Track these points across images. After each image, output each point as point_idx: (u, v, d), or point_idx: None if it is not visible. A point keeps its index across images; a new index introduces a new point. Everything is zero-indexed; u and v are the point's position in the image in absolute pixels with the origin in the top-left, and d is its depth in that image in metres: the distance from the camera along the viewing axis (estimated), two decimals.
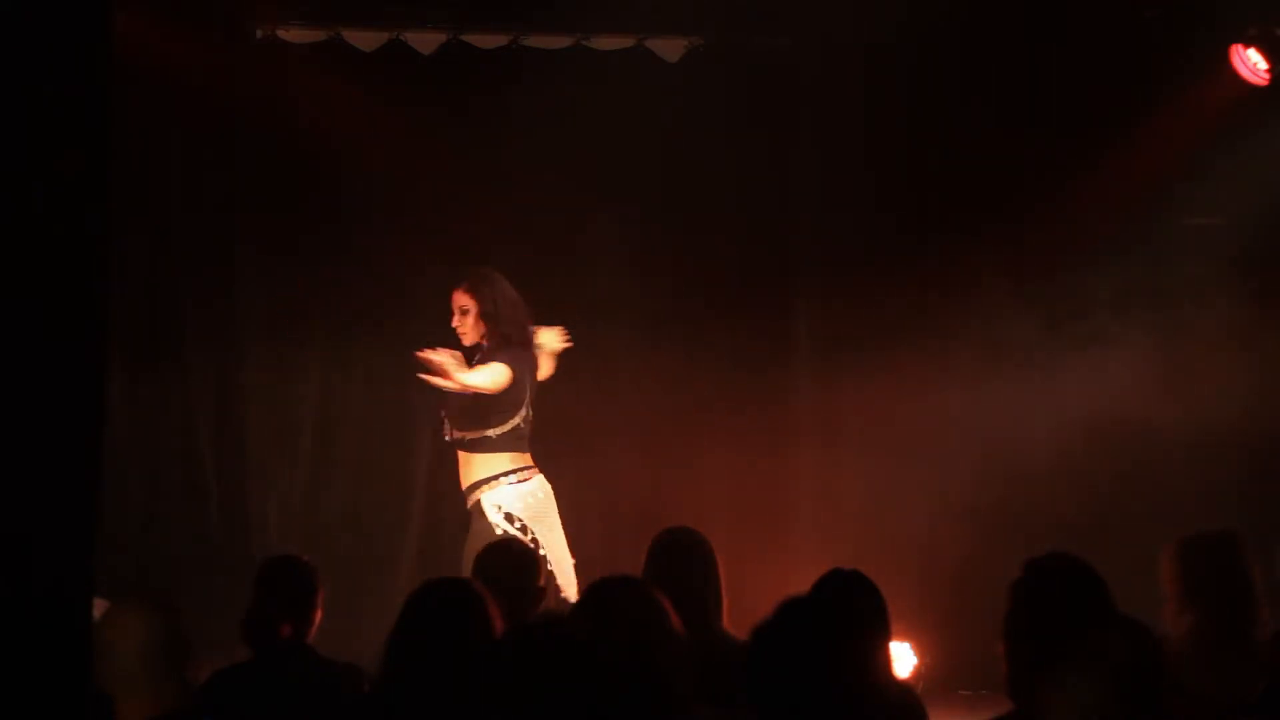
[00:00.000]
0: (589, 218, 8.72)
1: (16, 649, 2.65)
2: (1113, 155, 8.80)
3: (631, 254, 8.78)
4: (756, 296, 8.97)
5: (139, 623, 3.89)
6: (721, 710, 3.64)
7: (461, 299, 7.29)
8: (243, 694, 4.62)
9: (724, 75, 8.86)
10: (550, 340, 7.47)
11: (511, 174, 8.63)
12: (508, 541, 5.92)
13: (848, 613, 3.32)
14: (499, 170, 8.64)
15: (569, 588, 7.14)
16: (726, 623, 4.80)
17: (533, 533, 7.11)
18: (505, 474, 7.20)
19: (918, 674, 8.14)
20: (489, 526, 7.08)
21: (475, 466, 7.24)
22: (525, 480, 7.22)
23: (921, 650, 8.24)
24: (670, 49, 8.88)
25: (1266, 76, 8.27)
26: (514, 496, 7.18)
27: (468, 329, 7.29)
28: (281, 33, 8.59)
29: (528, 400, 7.27)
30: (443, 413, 7.33)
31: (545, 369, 7.48)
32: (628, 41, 8.82)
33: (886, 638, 4.02)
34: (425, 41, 8.69)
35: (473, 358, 7.29)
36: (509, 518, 7.14)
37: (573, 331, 7.58)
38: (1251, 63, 8.29)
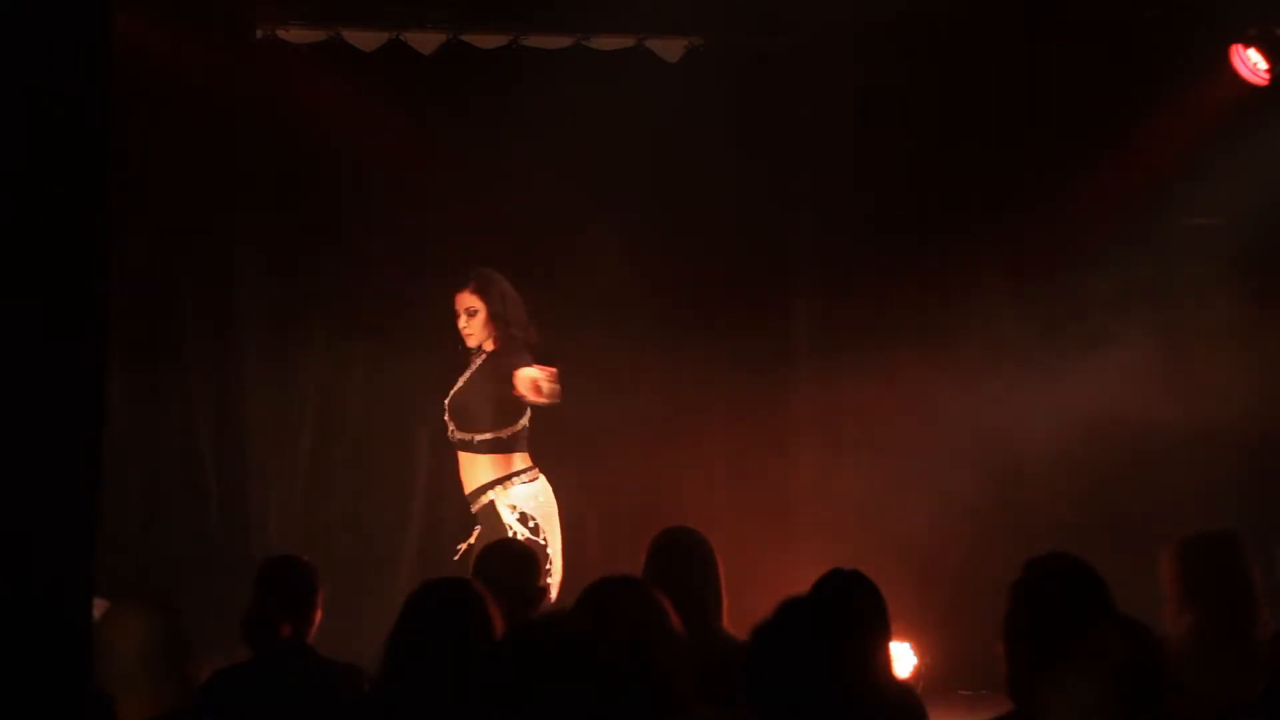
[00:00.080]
0: (589, 218, 8.71)
1: (16, 649, 2.65)
2: (1113, 155, 8.80)
3: (631, 254, 8.77)
4: (756, 297, 8.97)
5: (139, 623, 3.89)
6: (721, 710, 3.64)
7: (469, 300, 7.24)
8: (243, 694, 4.62)
9: (724, 75, 8.86)
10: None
11: (511, 174, 8.62)
12: (508, 541, 5.92)
13: (848, 613, 3.32)
14: (499, 170, 8.64)
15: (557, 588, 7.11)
16: (726, 623, 4.80)
17: (544, 533, 7.10)
18: (517, 474, 7.17)
19: (918, 674, 8.14)
20: (502, 528, 7.03)
21: (486, 467, 7.18)
22: (534, 480, 7.21)
23: (921, 650, 8.24)
24: (670, 49, 8.88)
25: (1266, 76, 8.27)
26: (527, 496, 7.14)
27: (475, 330, 7.24)
28: (281, 33, 8.59)
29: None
30: (446, 414, 7.30)
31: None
32: (628, 41, 8.82)
33: (886, 638, 4.02)
34: (425, 41, 8.69)
35: (472, 358, 7.28)
36: (524, 518, 7.10)
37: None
38: (1251, 63, 8.29)
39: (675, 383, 8.76)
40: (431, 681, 3.84)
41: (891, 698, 3.52)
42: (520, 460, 7.20)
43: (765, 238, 9.09)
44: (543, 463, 7.29)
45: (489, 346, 7.26)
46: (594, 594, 3.85)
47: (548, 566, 7.05)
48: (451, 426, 7.26)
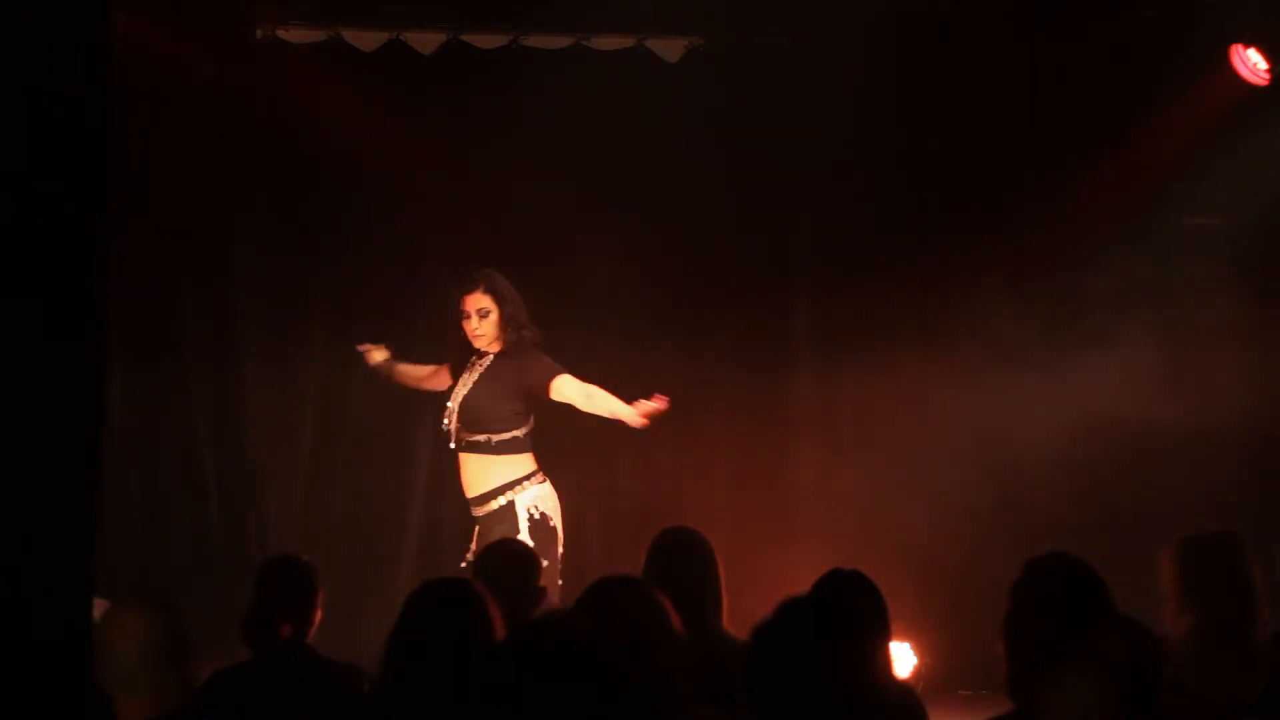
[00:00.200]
0: (589, 217, 8.71)
1: (16, 649, 2.65)
2: (1113, 155, 8.80)
3: (631, 253, 8.77)
4: (756, 296, 8.97)
5: (139, 623, 3.89)
6: (721, 710, 3.64)
7: (481, 301, 7.18)
8: (243, 694, 4.62)
9: (724, 75, 8.86)
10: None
11: (511, 174, 8.62)
12: (508, 541, 5.91)
13: (848, 613, 3.32)
14: (499, 170, 8.63)
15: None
16: (726, 623, 4.80)
17: (560, 535, 7.09)
18: (531, 474, 7.14)
19: (918, 674, 8.14)
20: (518, 529, 6.99)
21: (504, 467, 7.11)
22: (544, 480, 7.20)
23: (921, 650, 8.24)
24: (670, 49, 8.88)
25: (1266, 76, 8.26)
26: (545, 495, 7.12)
27: (487, 331, 7.18)
28: (281, 33, 8.59)
29: None
30: (450, 417, 7.27)
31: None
32: (628, 41, 8.82)
33: (886, 638, 4.02)
34: (425, 41, 8.69)
35: (471, 360, 7.27)
36: (544, 517, 7.07)
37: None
38: (1251, 63, 8.29)
39: (675, 383, 8.74)
40: (431, 681, 3.84)
41: (891, 698, 3.52)
42: (532, 461, 7.19)
43: (765, 238, 9.08)
44: (543, 463, 7.29)
45: (496, 347, 7.24)
46: (594, 594, 3.85)
47: (558, 567, 7.05)
48: (459, 428, 7.19)
